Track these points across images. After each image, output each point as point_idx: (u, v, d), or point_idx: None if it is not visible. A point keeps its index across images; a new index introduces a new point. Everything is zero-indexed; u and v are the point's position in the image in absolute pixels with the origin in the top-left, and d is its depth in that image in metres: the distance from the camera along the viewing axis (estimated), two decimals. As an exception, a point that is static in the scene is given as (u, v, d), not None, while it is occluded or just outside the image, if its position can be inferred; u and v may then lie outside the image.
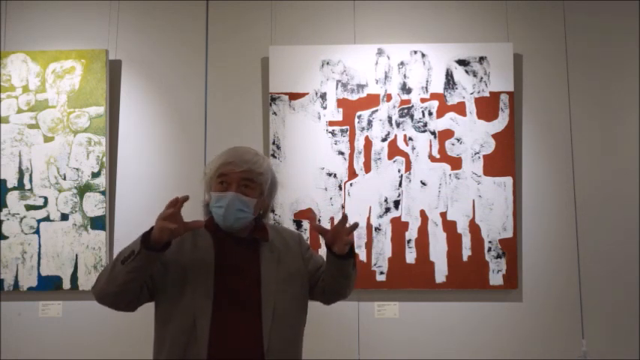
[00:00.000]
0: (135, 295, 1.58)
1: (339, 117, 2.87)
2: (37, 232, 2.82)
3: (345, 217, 1.66)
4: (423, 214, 2.80)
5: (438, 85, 2.87)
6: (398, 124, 2.85)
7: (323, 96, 2.88)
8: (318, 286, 1.77)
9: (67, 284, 2.79)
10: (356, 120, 2.86)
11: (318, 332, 2.62)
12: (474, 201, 2.80)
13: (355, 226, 1.67)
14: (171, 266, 1.62)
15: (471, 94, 2.86)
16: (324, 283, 1.75)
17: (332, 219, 2.81)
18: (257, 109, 2.94)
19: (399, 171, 2.83)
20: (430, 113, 2.86)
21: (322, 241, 1.73)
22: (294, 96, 2.88)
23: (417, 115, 2.86)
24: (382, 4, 2.98)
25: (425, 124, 2.85)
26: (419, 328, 2.79)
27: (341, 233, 1.65)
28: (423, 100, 2.86)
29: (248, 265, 1.67)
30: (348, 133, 2.86)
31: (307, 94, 2.88)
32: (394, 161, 2.84)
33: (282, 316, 1.64)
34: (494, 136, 2.83)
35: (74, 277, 2.78)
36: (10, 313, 2.82)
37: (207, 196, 1.71)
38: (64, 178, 2.84)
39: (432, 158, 2.83)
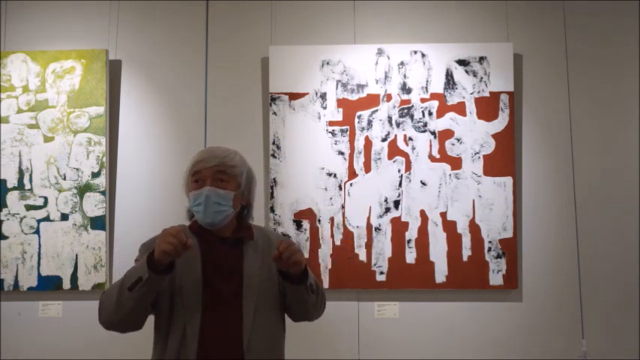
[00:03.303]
0: (144, 315, 1.61)
1: (339, 117, 2.86)
2: (37, 232, 2.82)
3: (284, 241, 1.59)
4: (423, 214, 2.80)
5: (438, 85, 2.87)
6: (398, 124, 2.85)
7: (323, 96, 2.88)
8: (287, 298, 1.73)
9: (67, 284, 2.79)
10: (356, 120, 2.86)
11: (318, 332, 2.62)
12: (473, 201, 2.80)
13: (288, 244, 1.57)
14: None
15: (471, 94, 2.86)
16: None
17: (332, 219, 2.81)
18: (257, 109, 2.94)
19: (399, 171, 2.83)
20: (430, 113, 2.86)
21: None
22: (294, 96, 2.88)
23: (417, 115, 2.86)
24: (382, 4, 2.98)
25: (425, 124, 2.85)
26: (419, 328, 2.79)
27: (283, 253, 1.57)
28: (423, 100, 2.86)
29: (232, 265, 1.68)
30: (348, 133, 2.85)
31: (307, 94, 2.88)
32: (394, 161, 2.84)
33: (263, 314, 1.65)
34: (494, 136, 2.83)
35: (74, 277, 2.78)
36: (10, 313, 2.81)
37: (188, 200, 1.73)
38: (64, 178, 2.84)
39: (432, 158, 2.83)
